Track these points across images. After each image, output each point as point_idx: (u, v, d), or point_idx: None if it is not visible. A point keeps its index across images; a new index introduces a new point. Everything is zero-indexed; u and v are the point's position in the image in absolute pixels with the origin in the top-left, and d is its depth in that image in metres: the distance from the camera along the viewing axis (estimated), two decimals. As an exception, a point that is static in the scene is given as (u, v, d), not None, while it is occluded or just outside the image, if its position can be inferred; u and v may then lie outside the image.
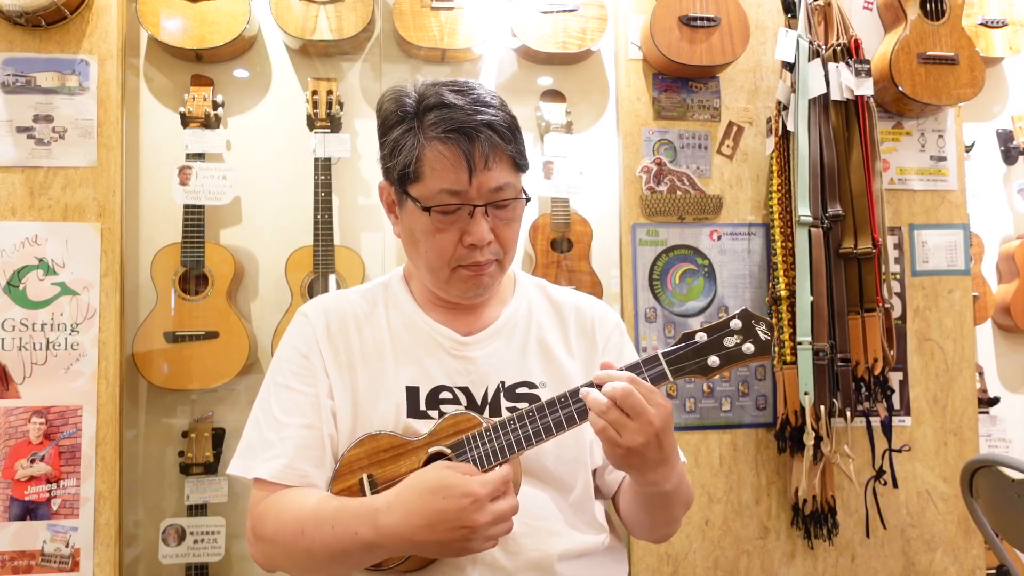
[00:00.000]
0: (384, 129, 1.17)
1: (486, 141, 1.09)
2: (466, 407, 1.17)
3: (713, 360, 1.04)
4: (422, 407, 1.17)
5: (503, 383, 1.20)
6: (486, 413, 1.17)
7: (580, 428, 1.14)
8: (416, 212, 1.13)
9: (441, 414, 1.14)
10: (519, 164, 1.14)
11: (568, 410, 1.05)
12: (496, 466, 1.05)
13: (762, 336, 1.05)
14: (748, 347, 1.04)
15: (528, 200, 1.18)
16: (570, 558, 1.15)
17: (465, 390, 1.19)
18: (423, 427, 1.13)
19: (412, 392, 1.18)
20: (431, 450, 1.09)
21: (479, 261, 1.13)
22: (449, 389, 1.18)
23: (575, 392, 1.05)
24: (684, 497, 1.17)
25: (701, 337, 1.05)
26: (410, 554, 1.06)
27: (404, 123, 1.13)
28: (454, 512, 0.98)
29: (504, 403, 1.18)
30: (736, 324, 1.05)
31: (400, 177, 1.14)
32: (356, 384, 1.18)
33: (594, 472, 1.26)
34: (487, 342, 1.22)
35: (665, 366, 1.05)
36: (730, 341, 1.05)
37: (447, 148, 1.09)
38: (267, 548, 1.13)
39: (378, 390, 1.18)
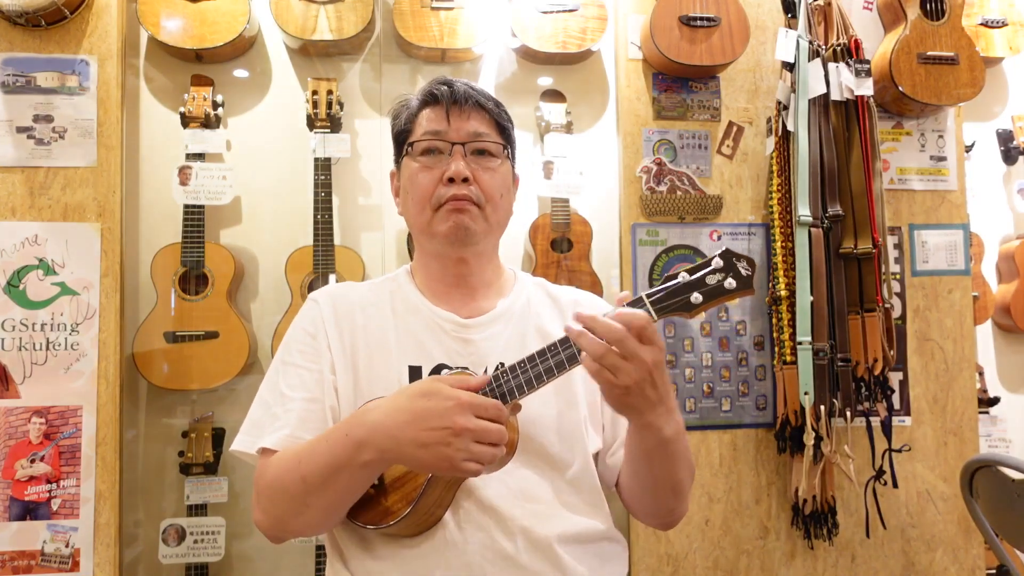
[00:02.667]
0: (391, 120, 1.33)
1: (463, 92, 1.24)
2: None
3: (696, 297, 1.06)
4: None
5: (502, 364, 1.21)
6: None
7: (575, 407, 1.22)
8: (408, 164, 1.27)
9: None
10: (501, 125, 1.27)
11: (558, 357, 1.07)
12: None
13: (743, 271, 1.06)
14: (730, 283, 1.06)
15: (510, 152, 1.29)
16: (569, 540, 1.16)
17: (464, 370, 1.22)
18: None
19: (415, 371, 1.22)
20: None
21: (457, 195, 1.21)
22: (449, 368, 1.22)
23: (565, 340, 1.07)
24: (684, 454, 1.18)
25: (683, 276, 1.07)
26: (394, 454, 1.06)
27: (409, 101, 1.30)
28: (437, 411, 1.01)
29: None
30: (718, 263, 1.07)
31: (398, 138, 1.30)
32: (358, 363, 1.23)
33: (595, 458, 1.27)
34: (487, 326, 1.27)
35: (649, 306, 1.06)
36: (712, 279, 1.07)
37: (430, 103, 1.26)
38: (267, 500, 1.15)
39: (380, 369, 1.22)
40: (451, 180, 1.21)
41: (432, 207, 1.23)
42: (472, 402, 1.02)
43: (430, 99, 1.26)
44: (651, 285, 2.39)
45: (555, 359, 1.07)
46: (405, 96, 1.32)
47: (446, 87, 1.25)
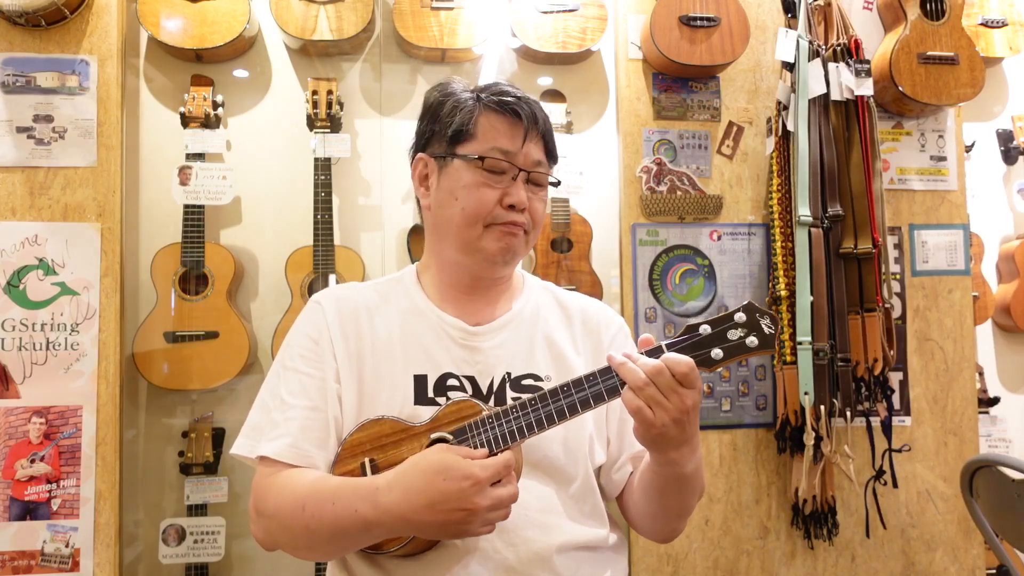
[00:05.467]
0: (433, 107, 1.25)
1: (542, 119, 1.21)
2: (471, 396, 1.18)
3: (717, 353, 1.04)
4: (430, 394, 1.19)
5: (509, 374, 1.21)
6: (491, 403, 1.18)
7: (581, 422, 1.18)
8: (462, 169, 1.19)
9: (448, 401, 1.15)
10: (551, 153, 1.25)
11: (571, 399, 1.06)
12: (498, 452, 1.06)
13: (766, 329, 1.05)
14: (752, 340, 1.05)
15: (558, 184, 1.27)
16: (569, 550, 1.15)
17: (471, 379, 1.20)
18: (429, 414, 1.14)
19: (420, 380, 1.19)
20: (433, 435, 1.10)
21: (515, 220, 1.19)
22: (456, 377, 1.20)
23: (579, 381, 1.06)
24: (699, 485, 1.18)
25: (705, 329, 1.05)
26: (408, 534, 1.06)
27: (461, 95, 1.23)
28: (454, 494, 0.99)
29: (510, 393, 1.20)
30: (740, 317, 1.05)
31: (452, 136, 1.20)
32: (363, 371, 1.20)
33: (598, 471, 1.27)
34: (495, 334, 1.24)
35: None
36: (734, 334, 1.05)
37: (504, 115, 1.19)
38: (267, 524, 1.14)
39: (385, 378, 1.20)
40: (511, 206, 1.18)
41: (483, 224, 1.19)
42: (486, 477, 1.00)
43: (502, 109, 1.19)
44: (651, 286, 2.39)
45: (567, 401, 1.06)
46: (450, 87, 1.25)
47: (525, 105, 1.20)
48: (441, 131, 1.22)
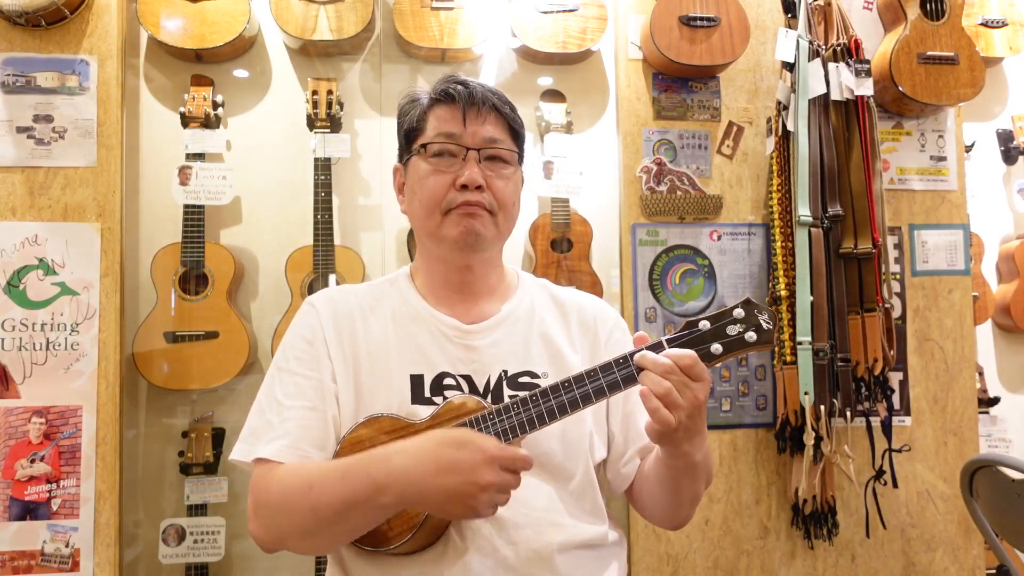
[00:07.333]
0: (400, 115, 1.29)
1: (481, 95, 1.21)
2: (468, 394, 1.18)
3: (716, 348, 1.06)
4: (427, 394, 1.19)
5: (505, 372, 1.21)
6: (488, 401, 1.18)
7: (581, 419, 1.18)
8: (416, 163, 1.22)
9: (445, 400, 1.15)
10: (515, 130, 1.24)
11: (572, 395, 1.07)
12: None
13: (764, 325, 1.07)
14: (751, 335, 1.06)
15: (521, 159, 1.27)
16: (570, 549, 1.15)
17: (468, 378, 1.20)
18: (427, 413, 1.14)
19: (416, 380, 1.19)
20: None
21: (470, 200, 1.18)
22: (452, 376, 1.20)
23: (580, 377, 1.07)
24: (708, 471, 1.19)
25: (704, 325, 1.07)
26: (415, 505, 1.06)
27: (418, 98, 1.26)
28: (467, 464, 0.99)
29: (507, 392, 1.20)
30: (739, 313, 1.07)
31: (407, 134, 1.25)
32: (359, 372, 1.20)
33: (604, 465, 1.27)
34: (490, 332, 1.24)
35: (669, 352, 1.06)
36: (733, 329, 1.07)
37: (445, 103, 1.22)
38: (268, 516, 1.12)
39: (381, 379, 1.19)
40: (464, 186, 1.17)
41: (442, 211, 1.19)
42: (499, 456, 1.00)
43: (444, 98, 1.21)
44: (651, 286, 2.39)
45: (568, 396, 1.07)
46: (414, 90, 1.28)
47: (462, 87, 1.20)
48: (403, 135, 1.27)
